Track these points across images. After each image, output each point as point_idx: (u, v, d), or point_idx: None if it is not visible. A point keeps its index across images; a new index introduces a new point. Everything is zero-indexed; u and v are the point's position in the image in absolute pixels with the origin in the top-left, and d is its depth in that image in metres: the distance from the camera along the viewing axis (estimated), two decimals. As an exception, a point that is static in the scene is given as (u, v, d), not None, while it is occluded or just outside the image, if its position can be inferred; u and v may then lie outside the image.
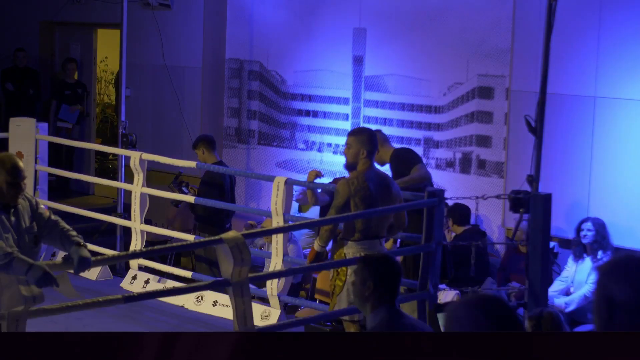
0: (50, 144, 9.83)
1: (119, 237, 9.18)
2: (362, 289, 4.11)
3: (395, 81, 9.38)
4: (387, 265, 4.21)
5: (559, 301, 7.32)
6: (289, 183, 7.47)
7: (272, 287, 7.51)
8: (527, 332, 4.30)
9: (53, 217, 5.14)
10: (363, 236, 6.10)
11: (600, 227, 7.44)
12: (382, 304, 4.08)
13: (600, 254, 7.38)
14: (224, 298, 7.68)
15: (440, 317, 6.28)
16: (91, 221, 9.31)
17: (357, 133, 6.32)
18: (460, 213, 8.00)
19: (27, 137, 9.02)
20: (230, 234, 5.33)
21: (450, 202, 7.67)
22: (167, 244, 9.92)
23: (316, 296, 8.09)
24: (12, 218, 4.95)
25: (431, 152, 9.07)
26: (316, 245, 6.18)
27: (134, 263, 8.48)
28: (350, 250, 6.11)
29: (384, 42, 9.42)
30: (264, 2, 10.42)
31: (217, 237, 5.31)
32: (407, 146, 7.40)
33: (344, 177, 6.21)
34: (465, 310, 2.50)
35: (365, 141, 6.16)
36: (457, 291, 7.39)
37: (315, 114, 10.10)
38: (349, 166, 6.25)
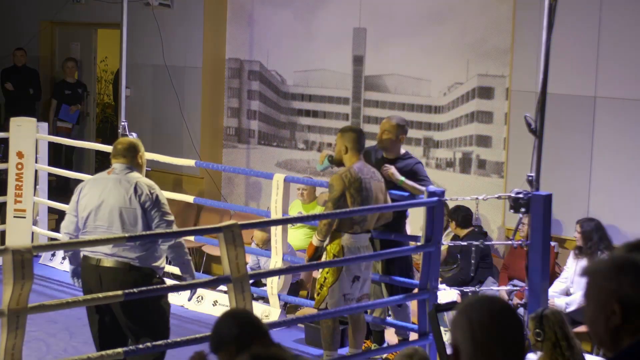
0: (50, 144, 9.82)
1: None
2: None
3: (395, 81, 9.38)
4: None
5: (559, 301, 7.32)
6: (288, 181, 7.48)
7: (272, 287, 7.51)
8: None
9: None
10: (360, 229, 6.20)
11: (597, 227, 7.44)
12: None
13: (599, 254, 7.37)
14: (224, 298, 7.68)
15: (440, 317, 6.28)
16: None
17: (341, 131, 6.53)
18: (464, 216, 7.99)
19: (27, 137, 9.02)
20: (228, 222, 5.38)
21: (450, 203, 7.67)
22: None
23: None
24: None
25: (431, 152, 9.07)
26: (315, 240, 6.21)
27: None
28: (346, 242, 6.18)
29: (384, 42, 9.42)
30: (264, 2, 10.42)
31: (215, 226, 5.40)
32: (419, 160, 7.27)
33: (335, 173, 6.32)
34: (459, 313, 2.46)
35: (346, 138, 6.37)
36: (458, 291, 7.39)
37: (315, 114, 10.11)
38: (335, 162, 6.51)
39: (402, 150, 6.93)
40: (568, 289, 7.51)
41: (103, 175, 5.58)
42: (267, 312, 7.55)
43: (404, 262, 6.88)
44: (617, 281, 2.43)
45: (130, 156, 5.57)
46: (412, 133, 9.17)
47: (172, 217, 5.46)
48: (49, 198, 9.35)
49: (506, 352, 2.38)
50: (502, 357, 2.37)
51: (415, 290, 6.68)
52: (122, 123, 9.09)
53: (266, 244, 8.13)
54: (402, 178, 6.62)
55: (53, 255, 9.01)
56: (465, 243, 7.18)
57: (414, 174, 6.74)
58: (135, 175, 5.49)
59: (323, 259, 6.31)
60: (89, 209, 5.45)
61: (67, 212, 5.63)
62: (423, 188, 6.58)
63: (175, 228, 5.49)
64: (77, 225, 5.50)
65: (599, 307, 2.46)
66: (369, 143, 6.95)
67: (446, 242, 7.09)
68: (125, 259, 5.35)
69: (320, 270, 6.35)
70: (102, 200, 5.42)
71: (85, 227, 5.47)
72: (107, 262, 5.37)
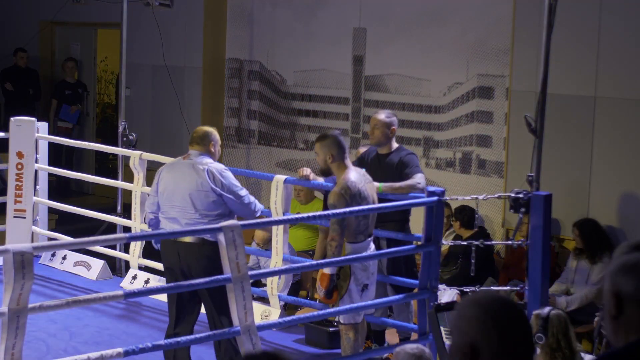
0: (50, 144, 9.82)
1: (119, 237, 9.17)
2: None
3: (395, 81, 9.39)
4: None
5: (560, 301, 7.32)
6: (288, 182, 7.47)
7: (272, 287, 7.51)
8: None
9: None
10: (364, 237, 6.14)
11: (595, 227, 7.43)
12: None
13: (599, 253, 7.37)
14: (224, 298, 7.68)
15: (441, 317, 6.27)
16: (91, 221, 9.30)
17: (320, 139, 6.27)
18: (469, 217, 7.98)
19: (27, 137, 9.01)
20: (229, 222, 5.37)
21: (453, 203, 7.67)
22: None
23: (316, 296, 8.08)
24: None
25: (431, 152, 9.08)
26: (327, 269, 6.06)
27: (134, 262, 8.48)
28: (351, 253, 6.11)
29: (384, 42, 9.43)
30: (264, 2, 10.43)
31: (215, 226, 5.40)
32: (412, 152, 7.23)
33: (333, 190, 6.13)
34: (474, 310, 2.44)
35: (329, 145, 6.14)
36: (457, 291, 7.39)
37: (315, 114, 10.11)
38: (322, 172, 6.32)
39: (395, 145, 6.91)
40: (568, 289, 7.51)
41: (179, 160, 6.10)
42: (267, 312, 7.55)
43: (411, 261, 6.88)
44: (618, 276, 2.51)
45: (205, 144, 6.06)
46: (412, 133, 9.18)
47: (244, 191, 6.04)
48: (49, 198, 9.35)
49: (528, 350, 2.41)
50: (528, 356, 2.39)
51: (416, 290, 6.67)
52: (122, 123, 9.08)
53: (267, 244, 8.12)
54: (380, 185, 6.48)
55: (53, 255, 9.01)
56: (465, 243, 7.17)
57: (403, 165, 6.71)
58: (207, 161, 5.99)
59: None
60: (166, 191, 5.97)
61: (149, 193, 6.22)
62: (412, 182, 6.52)
63: (252, 198, 6.08)
64: (158, 205, 6.03)
65: (605, 298, 2.53)
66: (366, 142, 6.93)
67: (447, 242, 7.09)
68: (199, 235, 5.79)
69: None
70: (177, 183, 5.92)
71: (163, 207, 5.99)
72: (184, 238, 5.84)
